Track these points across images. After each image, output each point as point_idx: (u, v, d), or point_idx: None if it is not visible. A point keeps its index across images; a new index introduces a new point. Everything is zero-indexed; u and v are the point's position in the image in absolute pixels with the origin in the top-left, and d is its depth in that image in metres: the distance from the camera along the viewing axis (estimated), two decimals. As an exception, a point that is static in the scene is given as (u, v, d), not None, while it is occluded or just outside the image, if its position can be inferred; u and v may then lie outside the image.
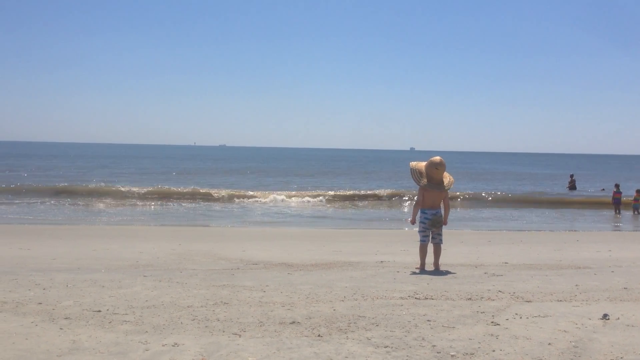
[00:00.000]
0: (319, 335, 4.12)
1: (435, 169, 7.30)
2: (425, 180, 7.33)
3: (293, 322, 4.48)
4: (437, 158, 7.38)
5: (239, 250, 9.94)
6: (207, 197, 26.75)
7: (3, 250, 9.63)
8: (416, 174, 7.36)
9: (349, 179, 44.88)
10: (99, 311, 4.78)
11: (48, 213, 19.72)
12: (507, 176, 52.34)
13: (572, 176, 36.60)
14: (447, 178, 7.44)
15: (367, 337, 4.07)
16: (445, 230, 7.69)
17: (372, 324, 4.45)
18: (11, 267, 7.44)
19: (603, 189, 34.69)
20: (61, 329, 4.22)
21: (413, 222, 7.45)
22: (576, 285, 6.30)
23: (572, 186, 34.98)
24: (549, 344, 3.95)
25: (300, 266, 7.82)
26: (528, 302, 5.32)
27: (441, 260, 7.52)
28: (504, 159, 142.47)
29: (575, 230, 17.23)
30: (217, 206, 24.15)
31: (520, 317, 4.67)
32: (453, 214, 21.26)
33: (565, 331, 4.27)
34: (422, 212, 7.44)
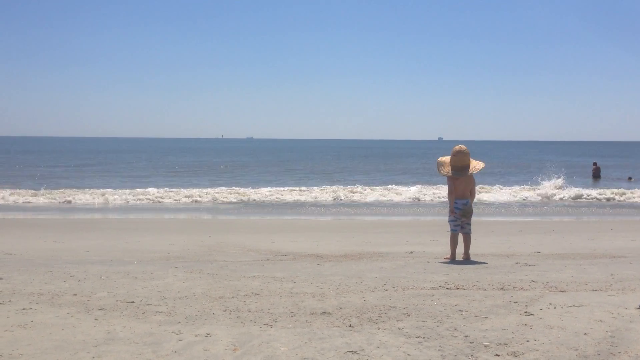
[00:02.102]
0: (350, 326, 4.11)
1: (454, 156, 7.39)
2: (448, 169, 7.40)
3: (324, 313, 4.48)
4: (457, 146, 7.50)
5: (268, 241, 9.98)
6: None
7: (38, 244, 9.84)
8: (439, 165, 7.49)
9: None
10: (133, 302, 4.85)
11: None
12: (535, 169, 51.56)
13: (595, 164, 35.56)
14: (473, 164, 7.46)
15: (398, 328, 4.06)
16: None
17: (404, 314, 4.43)
18: (46, 259, 7.59)
19: (630, 178, 33.71)
20: (96, 319, 4.30)
21: (452, 211, 7.45)
22: (611, 274, 6.18)
23: (596, 174, 33.99)
24: (585, 334, 3.88)
25: (329, 257, 7.82)
26: (562, 291, 5.24)
27: (472, 250, 7.46)
28: (531, 147, 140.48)
29: (608, 219, 16.89)
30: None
31: (555, 307, 4.60)
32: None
33: (601, 321, 4.19)
34: (454, 202, 7.41)
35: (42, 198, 21.33)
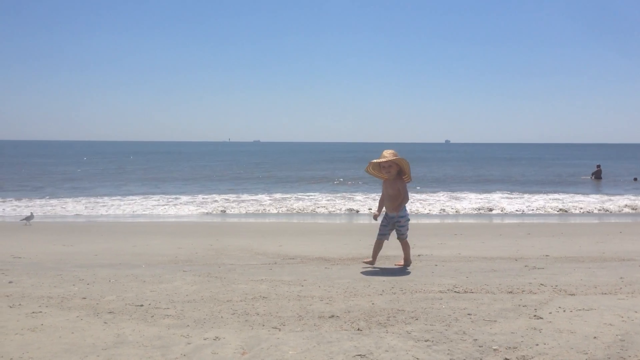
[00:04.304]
0: (358, 329, 4.11)
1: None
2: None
3: (332, 316, 4.48)
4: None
5: (276, 245, 9.98)
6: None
7: (47, 247, 9.89)
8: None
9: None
10: (142, 305, 4.86)
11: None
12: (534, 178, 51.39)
13: (598, 166, 35.78)
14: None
15: (407, 331, 4.05)
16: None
17: (412, 317, 4.42)
18: (55, 263, 7.63)
19: (636, 179, 33.83)
20: (105, 323, 4.31)
21: None
22: (621, 277, 6.14)
23: (598, 176, 34.22)
24: (595, 337, 3.86)
25: (337, 260, 7.81)
26: (571, 295, 5.21)
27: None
28: (540, 150, 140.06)
29: (617, 222, 16.80)
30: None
31: (564, 311, 4.58)
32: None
33: (610, 324, 4.17)
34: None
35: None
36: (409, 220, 7.06)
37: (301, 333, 4.03)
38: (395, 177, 6.86)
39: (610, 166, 47.79)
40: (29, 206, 20.45)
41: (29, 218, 15.57)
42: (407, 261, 7.13)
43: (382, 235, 7.11)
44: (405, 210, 6.99)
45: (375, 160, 6.86)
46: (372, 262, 7.18)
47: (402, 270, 6.75)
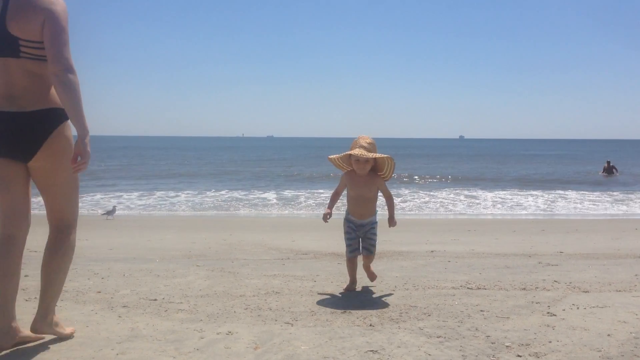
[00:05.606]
0: (370, 325, 4.11)
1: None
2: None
3: (344, 312, 4.49)
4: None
5: (289, 240, 10.01)
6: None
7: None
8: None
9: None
10: (155, 300, 4.90)
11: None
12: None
13: (609, 162, 35.53)
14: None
15: (419, 327, 4.05)
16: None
17: (424, 313, 4.42)
18: (71, 257, 7.70)
19: None
20: (120, 316, 4.35)
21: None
22: (636, 275, 6.09)
23: (609, 172, 34.09)
24: (608, 335, 3.84)
25: (349, 256, 7.81)
26: (585, 292, 5.18)
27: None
28: (550, 145, 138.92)
29: (633, 218, 16.64)
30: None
31: (578, 308, 4.55)
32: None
33: (625, 322, 4.14)
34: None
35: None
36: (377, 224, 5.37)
37: (313, 328, 4.04)
38: (368, 173, 5.18)
39: (620, 162, 47.44)
40: (111, 200, 20.63)
41: (110, 212, 15.23)
42: (372, 278, 5.41)
43: (355, 251, 5.29)
44: (376, 213, 5.41)
45: (358, 152, 4.99)
46: (352, 286, 5.37)
47: (415, 267, 6.74)
